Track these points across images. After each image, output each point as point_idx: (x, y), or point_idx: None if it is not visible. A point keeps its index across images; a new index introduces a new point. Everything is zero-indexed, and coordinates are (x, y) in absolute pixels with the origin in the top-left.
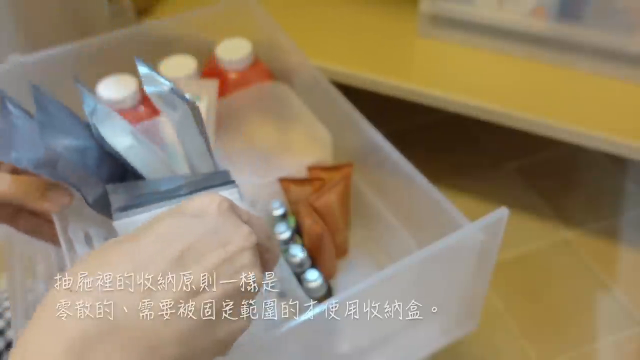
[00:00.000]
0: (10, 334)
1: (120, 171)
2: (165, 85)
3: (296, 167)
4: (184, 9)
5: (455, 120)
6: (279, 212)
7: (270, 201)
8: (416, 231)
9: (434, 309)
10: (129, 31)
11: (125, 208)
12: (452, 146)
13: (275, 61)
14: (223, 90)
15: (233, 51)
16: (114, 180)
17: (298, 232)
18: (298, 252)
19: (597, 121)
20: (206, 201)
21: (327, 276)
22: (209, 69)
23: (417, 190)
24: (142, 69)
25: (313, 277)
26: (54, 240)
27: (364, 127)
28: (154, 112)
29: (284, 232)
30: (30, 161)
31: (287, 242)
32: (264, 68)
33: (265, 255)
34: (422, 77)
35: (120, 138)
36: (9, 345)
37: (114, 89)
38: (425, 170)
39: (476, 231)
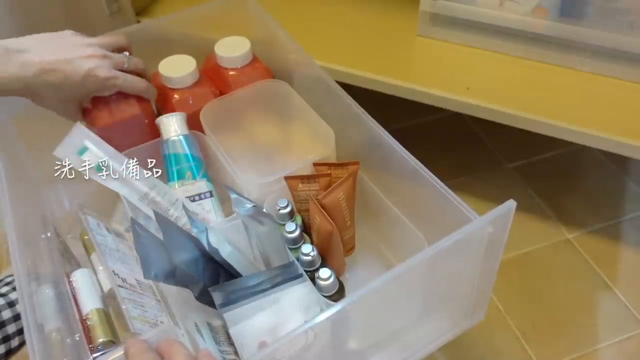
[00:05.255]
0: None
1: (217, 271)
2: (250, 205)
3: (300, 164)
4: (182, 7)
5: (455, 120)
6: (286, 210)
7: (276, 200)
8: (424, 226)
9: (444, 302)
10: (128, 30)
11: (225, 304)
12: (452, 146)
13: (274, 59)
14: (223, 89)
15: (232, 49)
16: (213, 278)
17: (305, 230)
18: (310, 251)
19: (598, 121)
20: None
21: (337, 274)
22: (208, 67)
23: (423, 185)
24: (232, 195)
25: (326, 275)
26: None
27: (368, 123)
28: (153, 112)
29: (293, 231)
30: (159, 275)
31: (297, 241)
32: (263, 66)
33: None
34: (422, 76)
35: (223, 247)
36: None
37: None
38: None
39: (486, 224)
